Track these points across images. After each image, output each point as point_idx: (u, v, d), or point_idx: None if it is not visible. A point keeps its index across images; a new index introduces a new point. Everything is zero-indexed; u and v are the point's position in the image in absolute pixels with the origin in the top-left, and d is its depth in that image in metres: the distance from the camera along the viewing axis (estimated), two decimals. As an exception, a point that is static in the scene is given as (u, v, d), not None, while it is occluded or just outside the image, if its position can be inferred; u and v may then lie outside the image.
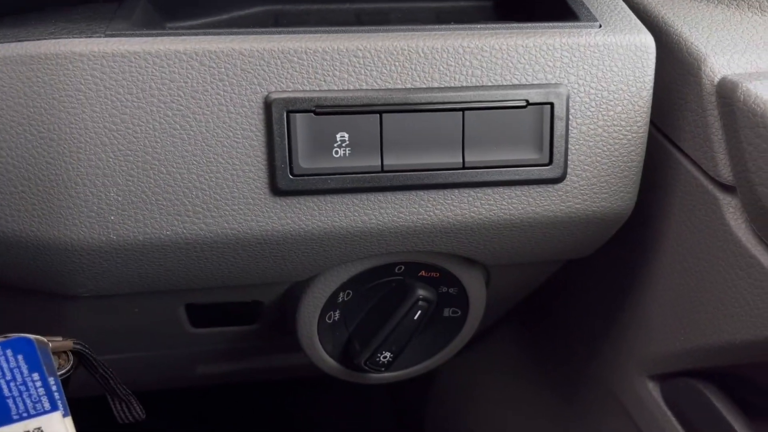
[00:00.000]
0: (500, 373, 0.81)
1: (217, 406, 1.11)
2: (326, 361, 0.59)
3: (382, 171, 0.46)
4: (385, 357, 0.56)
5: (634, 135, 0.48)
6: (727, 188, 0.46)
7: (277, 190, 0.45)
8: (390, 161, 0.46)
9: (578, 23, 0.48)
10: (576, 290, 0.65)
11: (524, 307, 0.73)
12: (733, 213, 0.45)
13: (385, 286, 0.56)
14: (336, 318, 0.57)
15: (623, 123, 0.48)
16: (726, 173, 0.45)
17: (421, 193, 0.47)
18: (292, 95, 0.44)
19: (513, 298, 0.67)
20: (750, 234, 0.44)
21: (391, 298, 0.56)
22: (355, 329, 0.58)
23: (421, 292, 0.55)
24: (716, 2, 0.54)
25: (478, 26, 0.47)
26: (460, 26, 0.48)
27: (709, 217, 0.47)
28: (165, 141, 0.44)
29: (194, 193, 0.45)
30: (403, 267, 0.55)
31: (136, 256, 0.47)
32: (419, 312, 0.55)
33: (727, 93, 0.45)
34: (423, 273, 0.56)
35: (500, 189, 0.48)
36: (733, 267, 0.45)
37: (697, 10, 0.54)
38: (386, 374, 0.61)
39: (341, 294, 0.56)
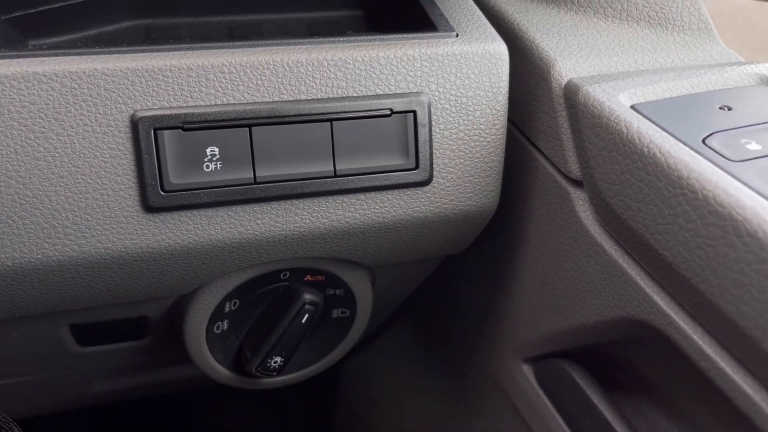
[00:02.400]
0: (398, 370, 0.84)
1: (126, 422, 1.09)
2: (218, 370, 0.60)
3: (255, 183, 0.47)
4: (276, 362, 0.58)
5: (493, 137, 0.52)
6: (576, 183, 0.50)
7: (148, 207, 0.45)
8: (262, 173, 0.47)
9: (436, 34, 0.51)
10: (458, 285, 0.68)
11: (417, 304, 0.77)
12: (582, 206, 0.49)
13: (271, 293, 0.58)
14: (224, 328, 0.58)
15: (482, 126, 0.51)
16: (575, 169, 0.49)
17: (295, 202, 0.49)
18: (158, 113, 0.45)
19: (401, 295, 0.70)
20: (596, 224, 0.48)
21: (278, 304, 0.57)
22: (245, 337, 0.59)
23: (308, 297, 0.56)
24: (566, 9, 0.59)
25: (341, 39, 0.49)
26: (325, 39, 0.49)
27: (562, 210, 0.51)
28: (29, 164, 0.44)
29: (64, 214, 0.45)
30: (288, 273, 0.57)
31: (7, 281, 0.46)
32: (306, 315, 0.57)
33: (571, 95, 0.49)
34: (308, 277, 0.58)
35: (371, 194, 0.50)
36: (584, 255, 0.49)
37: (549, 16, 0.58)
38: (280, 378, 0.62)
39: (228, 304, 0.57)
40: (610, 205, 0.46)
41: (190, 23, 0.58)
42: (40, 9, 0.51)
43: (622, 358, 0.52)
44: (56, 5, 0.52)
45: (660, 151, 0.42)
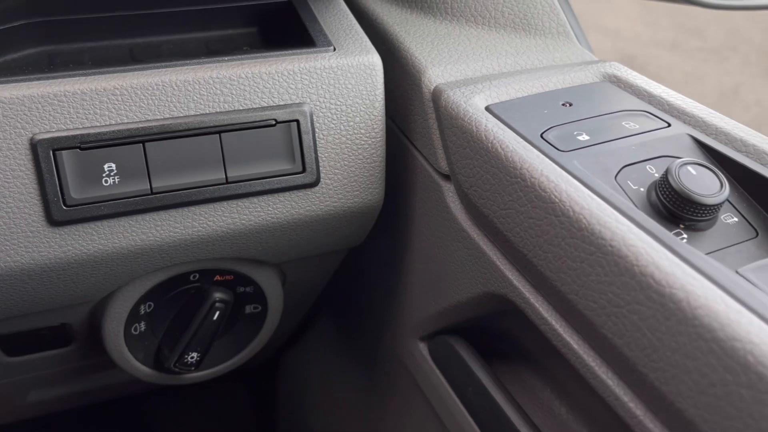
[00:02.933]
0: (325, 360, 0.89)
1: (73, 430, 1.11)
2: (140, 369, 0.64)
3: (152, 193, 0.52)
4: (192, 357, 0.62)
5: (373, 140, 0.57)
6: (445, 177, 0.56)
7: (52, 221, 0.50)
8: (158, 183, 0.52)
9: (315, 49, 0.56)
10: (364, 274, 0.74)
11: (336, 296, 0.82)
12: (451, 197, 0.55)
13: (184, 294, 0.62)
14: (142, 329, 0.62)
15: (362, 130, 0.57)
16: (444, 165, 0.55)
17: (192, 208, 0.54)
18: (56, 135, 0.49)
19: (314, 288, 0.75)
20: (462, 212, 0.54)
21: (190, 304, 0.62)
22: (163, 336, 0.63)
23: (217, 295, 0.61)
24: (441, 18, 0.65)
25: (227, 58, 0.54)
26: (211, 59, 0.54)
27: (437, 201, 0.57)
28: (-65, 187, 0.47)
29: (-27, 232, 0.49)
30: (197, 274, 0.61)
31: None
32: (218, 313, 0.61)
33: (436, 99, 0.55)
34: (218, 277, 0.63)
35: (264, 197, 0.55)
36: (454, 240, 0.55)
37: (424, 26, 0.64)
38: (201, 372, 0.67)
39: (143, 306, 0.61)
40: (468, 196, 0.52)
41: (92, 47, 0.62)
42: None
43: (501, 329, 0.58)
44: (-42, 38, 0.55)
45: (501, 146, 0.48)
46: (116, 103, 0.50)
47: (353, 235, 0.62)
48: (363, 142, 0.57)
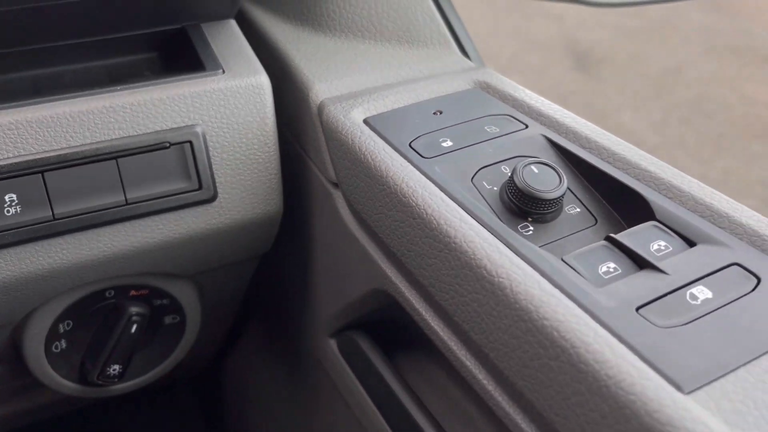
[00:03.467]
0: (257, 363, 0.93)
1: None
2: (65, 385, 0.67)
3: (55, 219, 0.55)
4: (114, 370, 0.66)
5: (266, 154, 0.61)
6: (335, 185, 0.60)
7: (-42, 252, 0.53)
8: (60, 210, 0.55)
9: (205, 72, 0.60)
10: (280, 278, 0.78)
11: (261, 300, 0.86)
12: (341, 203, 0.60)
13: (102, 310, 0.65)
14: (63, 346, 0.66)
15: (256, 146, 0.61)
16: (332, 174, 0.60)
17: (96, 230, 0.57)
18: (-44, 170, 0.52)
19: (234, 295, 0.79)
20: (350, 217, 0.58)
21: (108, 319, 0.65)
22: (85, 352, 0.67)
23: (134, 309, 0.65)
24: (331, 34, 0.69)
25: (119, 87, 0.58)
26: (107, 89, 0.57)
27: (330, 207, 0.61)
28: None
29: None
30: (113, 291, 0.65)
31: None
32: (135, 326, 0.65)
33: (321, 114, 0.60)
34: (133, 292, 0.66)
35: (164, 215, 0.59)
36: (346, 242, 0.59)
37: (315, 43, 0.68)
38: (126, 383, 0.70)
39: (61, 325, 0.64)
40: (351, 202, 0.56)
41: (-3, 84, 0.64)
42: None
43: (400, 321, 0.63)
44: None
45: (371, 157, 0.52)
46: (14, 137, 0.54)
47: (259, 244, 0.66)
48: (257, 157, 0.61)
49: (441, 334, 0.48)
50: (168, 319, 0.70)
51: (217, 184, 0.60)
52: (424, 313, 0.49)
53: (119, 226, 0.58)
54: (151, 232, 0.59)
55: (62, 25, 0.60)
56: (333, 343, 0.67)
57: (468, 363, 0.45)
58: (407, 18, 0.68)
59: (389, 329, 0.64)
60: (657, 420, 0.32)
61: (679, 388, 0.33)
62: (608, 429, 0.34)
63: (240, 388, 1.00)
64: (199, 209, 0.60)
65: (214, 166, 0.60)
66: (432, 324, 0.49)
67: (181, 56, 0.66)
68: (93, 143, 0.56)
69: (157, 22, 0.64)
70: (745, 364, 0.35)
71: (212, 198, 0.60)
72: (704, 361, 0.35)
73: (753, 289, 0.39)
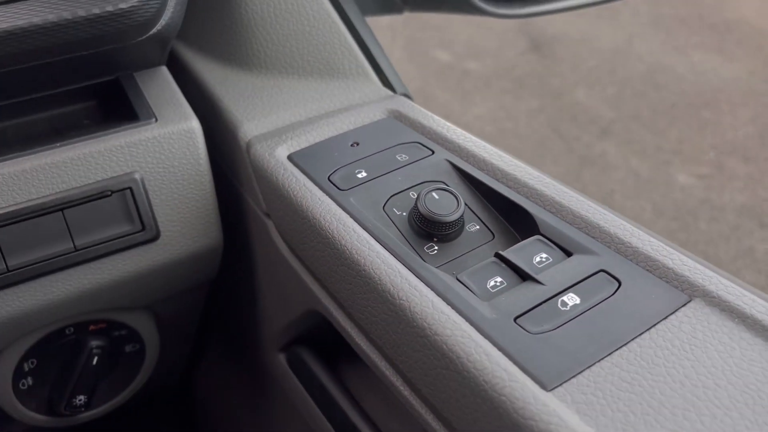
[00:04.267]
0: (221, 378, 0.99)
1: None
2: (35, 417, 0.73)
3: (9, 271, 0.60)
4: (80, 400, 0.71)
5: (203, 192, 0.67)
6: (267, 215, 0.66)
7: None
8: (13, 262, 0.60)
9: (139, 122, 0.65)
10: (230, 301, 0.84)
11: (218, 318, 0.92)
12: (273, 232, 0.65)
13: (63, 347, 0.71)
14: (30, 383, 0.71)
15: (192, 186, 0.66)
16: (264, 206, 0.65)
17: (48, 277, 0.62)
18: None
19: (192, 318, 0.85)
20: (283, 244, 0.64)
21: (71, 354, 0.70)
22: (51, 386, 0.72)
23: (93, 343, 0.70)
24: (257, 72, 0.74)
25: (59, 144, 0.62)
26: (48, 146, 0.62)
27: (265, 235, 0.67)
28: None
29: None
30: (72, 328, 0.70)
31: None
32: (96, 358, 0.70)
33: (249, 151, 0.65)
34: (92, 327, 0.71)
35: (111, 257, 0.64)
36: (281, 266, 0.65)
37: (241, 81, 0.73)
38: (93, 411, 0.76)
39: (26, 364, 0.69)
40: (281, 232, 0.62)
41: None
42: None
43: (337, 334, 0.69)
44: None
45: (293, 193, 0.58)
46: (-37, 199, 0.58)
47: (204, 273, 0.72)
48: (194, 195, 0.66)
49: (364, 347, 0.54)
50: (128, 348, 0.75)
51: (159, 224, 0.65)
52: (349, 330, 0.56)
53: (70, 271, 0.63)
54: (101, 273, 0.64)
55: (5, 85, 0.64)
56: (282, 357, 0.73)
57: (387, 372, 0.52)
58: (327, 52, 0.74)
59: (331, 341, 0.70)
60: (521, 416, 0.38)
61: (543, 386, 0.40)
62: (489, 426, 0.41)
63: (209, 400, 1.06)
64: (144, 248, 0.65)
65: (154, 208, 0.65)
66: (356, 339, 0.55)
67: (116, 104, 0.71)
68: (39, 198, 0.61)
69: (94, 76, 0.69)
70: (599, 360, 0.41)
71: (155, 237, 0.65)
72: (566, 360, 0.41)
73: (614, 293, 0.46)
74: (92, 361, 0.70)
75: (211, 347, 1.00)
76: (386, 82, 0.76)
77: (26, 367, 0.70)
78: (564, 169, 3.75)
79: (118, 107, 0.71)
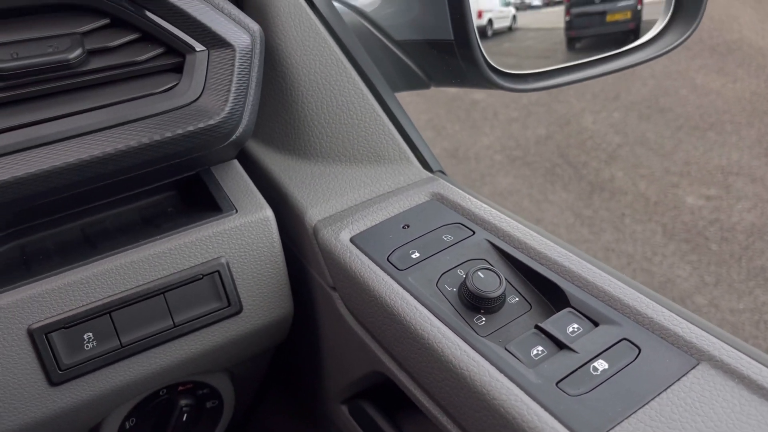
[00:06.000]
0: (279, 426, 1.09)
1: None
2: None
3: (122, 347, 0.71)
4: (173, 451, 0.82)
5: (276, 270, 0.78)
6: (333, 288, 0.77)
7: (52, 383, 0.69)
8: (126, 338, 0.71)
9: (223, 214, 0.77)
10: (298, 360, 0.95)
11: (281, 374, 1.03)
12: (339, 303, 0.76)
13: (158, 406, 0.82)
14: (130, 439, 0.82)
15: (268, 265, 0.78)
16: (330, 281, 0.77)
17: (153, 350, 0.73)
18: (46, 322, 0.68)
19: (258, 374, 0.96)
20: (349, 314, 0.75)
21: (165, 412, 0.82)
22: (148, 441, 0.83)
23: (183, 401, 0.81)
24: (315, 160, 0.86)
25: (158, 237, 0.74)
26: (149, 240, 0.74)
27: (331, 306, 0.78)
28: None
29: (-5, 403, 0.67)
30: (165, 390, 0.81)
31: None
32: (185, 415, 0.81)
33: (316, 236, 0.77)
34: (181, 387, 0.82)
35: (203, 330, 0.75)
36: (345, 333, 0.76)
37: (301, 169, 0.85)
38: (180, 460, 0.87)
39: (127, 422, 0.80)
40: (347, 303, 0.73)
41: (52, 234, 0.81)
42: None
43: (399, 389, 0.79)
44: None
45: (359, 273, 0.69)
46: (86, 289, 0.70)
47: (276, 337, 0.83)
48: (269, 273, 0.78)
49: (427, 405, 0.65)
50: (209, 404, 0.86)
51: (242, 300, 0.77)
52: (413, 390, 0.66)
53: (171, 344, 0.74)
54: (195, 345, 0.75)
55: (104, 192, 0.76)
56: (345, 409, 0.84)
57: (449, 427, 0.62)
58: (373, 141, 0.86)
59: (392, 396, 0.81)
60: (567, 465, 0.49)
61: (582, 440, 0.51)
62: (541, 473, 0.51)
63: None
64: (230, 321, 0.77)
65: (237, 286, 0.76)
66: (420, 398, 0.65)
67: (197, 194, 0.83)
68: (144, 284, 0.72)
69: (178, 174, 0.81)
70: (626, 418, 0.52)
71: (239, 311, 0.76)
72: (601, 418, 0.52)
73: (635, 358, 0.57)
74: (182, 417, 0.81)
75: (273, 398, 1.11)
76: (423, 161, 0.88)
77: (127, 425, 0.81)
78: (574, 195, 3.84)
79: (198, 197, 0.83)
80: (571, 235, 3.48)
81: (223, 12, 0.74)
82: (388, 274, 0.69)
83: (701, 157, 4.02)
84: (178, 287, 0.73)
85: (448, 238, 0.73)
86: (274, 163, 0.87)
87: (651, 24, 1.19)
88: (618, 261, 3.28)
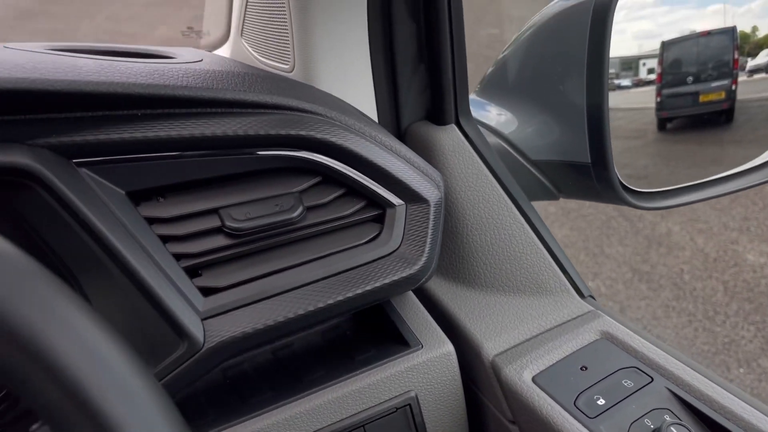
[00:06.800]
0: None
1: None
2: None
3: (328, 476, 0.78)
4: None
5: (456, 401, 0.85)
6: (512, 422, 0.83)
7: None
8: (330, 469, 0.78)
9: (411, 349, 0.84)
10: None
11: None
12: (518, 434, 0.83)
13: None
14: None
15: (449, 396, 0.84)
16: (509, 414, 0.83)
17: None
18: (265, 455, 0.75)
19: None
20: (528, 448, 0.81)
21: None
22: None
23: None
24: (480, 289, 0.93)
25: (358, 372, 0.81)
26: (349, 375, 0.81)
27: (508, 437, 0.84)
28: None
29: None
30: None
31: None
32: None
33: (496, 373, 0.83)
34: None
35: None
36: (526, 466, 0.82)
37: (470, 298, 0.92)
38: None
39: None
40: (533, 444, 0.79)
41: (244, 359, 0.88)
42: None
43: None
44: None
45: (551, 419, 0.75)
46: (298, 423, 0.77)
47: (449, 459, 0.89)
48: (451, 404, 0.85)
49: None
50: None
51: (427, 430, 0.83)
52: None
53: None
54: None
55: (300, 325, 0.84)
56: None
57: None
58: (536, 274, 0.93)
59: None
60: None
61: None
62: None
63: None
64: None
65: (425, 418, 0.83)
66: None
67: (373, 321, 0.91)
68: (348, 417, 0.79)
69: (365, 307, 0.89)
70: None
71: (423, 429, 0.83)
72: None
73: None
74: None
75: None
76: (576, 287, 0.94)
77: None
78: (631, 250, 3.86)
79: (376, 324, 0.90)
80: (630, 291, 3.49)
81: (413, 165, 0.82)
82: (579, 420, 0.75)
83: (760, 212, 4.02)
84: (376, 420, 0.80)
85: (628, 384, 0.79)
86: (443, 291, 0.94)
87: (744, 103, 1.22)
88: (679, 319, 3.28)
